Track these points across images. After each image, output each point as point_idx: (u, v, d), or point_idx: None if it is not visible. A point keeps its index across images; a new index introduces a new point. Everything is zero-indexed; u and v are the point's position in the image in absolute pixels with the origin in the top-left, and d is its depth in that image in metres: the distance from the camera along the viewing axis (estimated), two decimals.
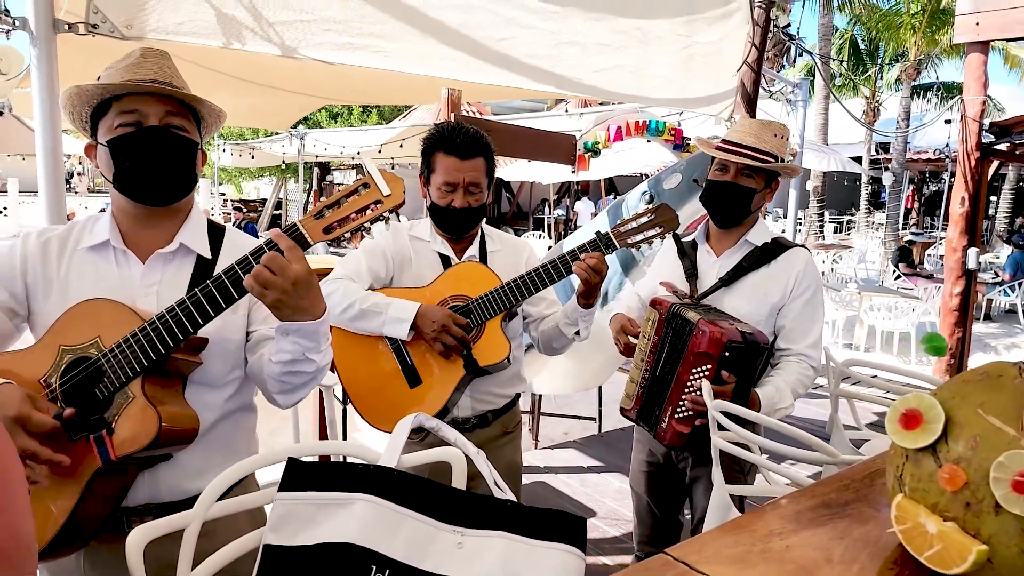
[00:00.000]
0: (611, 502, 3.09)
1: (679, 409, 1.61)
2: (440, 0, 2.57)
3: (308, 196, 18.47)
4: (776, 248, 1.79)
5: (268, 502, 0.85)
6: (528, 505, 0.87)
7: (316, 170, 18.34)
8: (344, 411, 2.89)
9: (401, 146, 10.45)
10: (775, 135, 1.77)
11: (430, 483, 0.89)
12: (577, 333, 1.70)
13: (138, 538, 0.76)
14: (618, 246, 1.59)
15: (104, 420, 1.04)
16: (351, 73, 3.03)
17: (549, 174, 12.13)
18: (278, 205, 19.94)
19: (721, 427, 1.40)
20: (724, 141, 1.78)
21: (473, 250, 1.72)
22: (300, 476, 0.88)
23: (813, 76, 14.32)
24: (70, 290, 1.15)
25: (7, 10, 2.01)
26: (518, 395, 1.80)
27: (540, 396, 3.83)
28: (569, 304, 1.67)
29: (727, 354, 1.54)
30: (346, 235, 1.13)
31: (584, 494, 3.17)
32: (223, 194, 18.76)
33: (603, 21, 3.01)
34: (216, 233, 1.28)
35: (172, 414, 1.05)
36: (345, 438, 2.72)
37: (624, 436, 3.92)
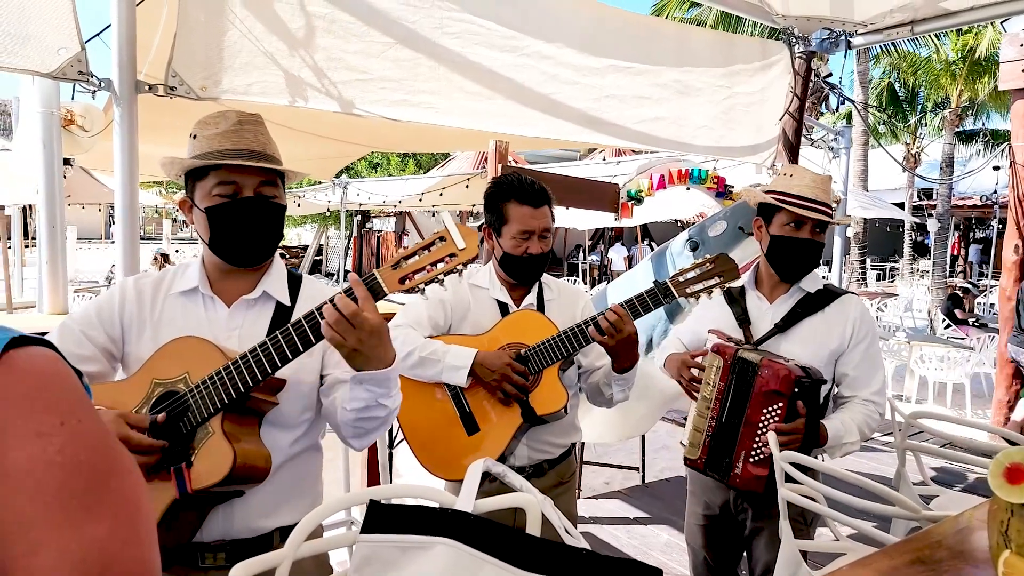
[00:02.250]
0: (660, 555, 3.02)
1: (754, 452, 1.60)
2: (488, 60, 2.68)
3: (348, 242, 18.98)
4: (828, 295, 1.78)
5: (352, 543, 0.87)
6: (603, 555, 0.88)
7: (357, 218, 18.85)
8: (389, 454, 2.91)
9: (441, 195, 10.70)
10: (831, 187, 1.78)
11: (507, 529, 0.90)
12: (611, 396, 1.70)
13: (240, 574, 0.79)
14: (676, 295, 1.61)
15: (185, 452, 1.09)
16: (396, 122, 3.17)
17: (584, 220, 12.26)
18: (319, 251, 20.46)
19: (788, 479, 1.37)
20: (793, 196, 1.74)
21: (531, 298, 1.76)
22: (381, 518, 0.90)
23: (849, 123, 14.29)
24: (161, 331, 1.23)
25: (92, 73, 2.17)
26: (573, 445, 1.80)
27: (582, 444, 3.80)
28: (605, 367, 1.68)
29: (796, 390, 1.55)
30: (421, 286, 1.16)
31: (632, 546, 3.10)
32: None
33: (643, 75, 3.10)
34: (294, 282, 1.36)
35: (247, 451, 1.10)
36: (391, 482, 2.73)
37: (670, 487, 3.84)
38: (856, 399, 1.71)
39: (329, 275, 19.50)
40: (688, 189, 4.54)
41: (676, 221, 12.13)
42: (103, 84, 2.15)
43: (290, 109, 2.76)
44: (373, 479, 2.70)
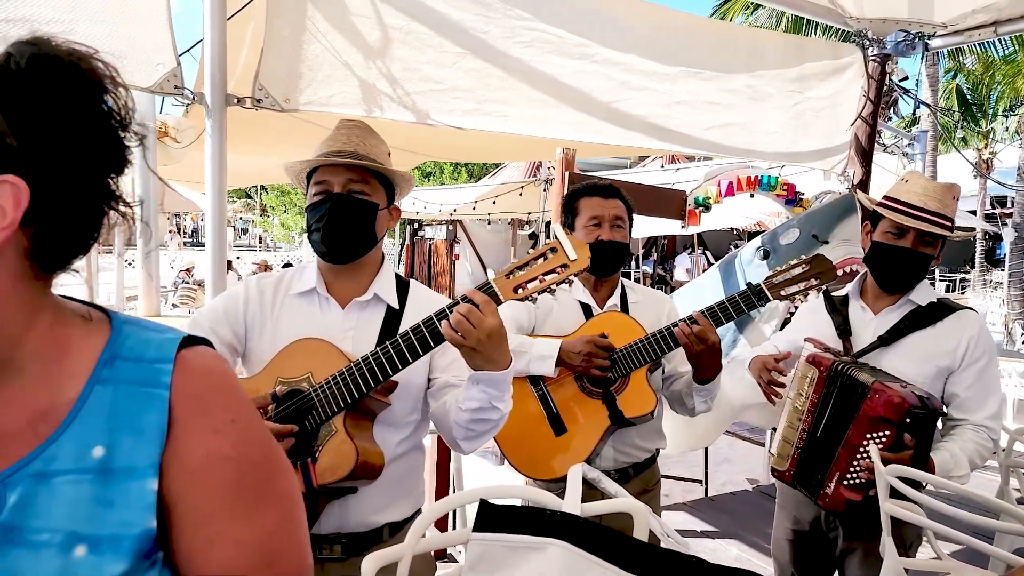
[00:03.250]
0: None
1: (849, 475, 1.54)
2: (558, 68, 2.70)
3: (400, 250, 19.31)
4: (942, 309, 1.68)
5: (465, 541, 0.88)
6: (713, 563, 0.87)
7: (410, 226, 19.16)
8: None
9: (494, 202, 10.79)
10: (954, 198, 1.66)
11: (617, 533, 0.90)
12: (693, 406, 1.68)
13: (371, 565, 0.82)
14: (771, 298, 1.58)
15: (310, 449, 1.14)
16: (457, 131, 3.23)
17: (638, 228, 12.12)
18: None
19: (893, 495, 1.33)
20: (902, 203, 1.66)
21: (614, 300, 1.77)
22: (492, 518, 0.91)
23: (910, 128, 13.75)
24: (280, 330, 1.29)
25: (185, 86, 2.28)
26: (658, 451, 1.79)
27: None
28: (687, 376, 1.66)
29: (907, 420, 1.46)
30: (534, 296, 1.18)
31: None
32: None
33: (713, 80, 3.07)
34: (402, 286, 1.41)
35: (366, 450, 1.14)
36: (462, 484, 2.76)
37: (736, 501, 3.75)
38: (967, 423, 1.61)
39: None
40: (752, 196, 4.46)
41: (732, 229, 11.91)
42: (196, 97, 2.25)
43: (321, 117, 2.84)
44: (443, 480, 2.73)
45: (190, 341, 0.70)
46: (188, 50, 2.59)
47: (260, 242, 30.03)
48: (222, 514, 0.66)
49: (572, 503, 0.95)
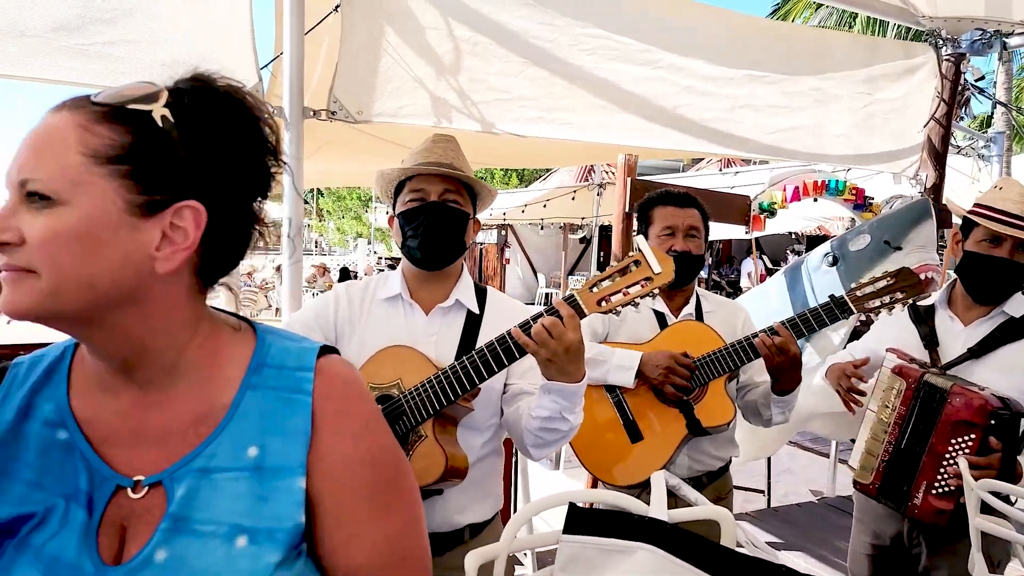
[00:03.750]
0: None
1: (937, 484, 1.50)
2: (621, 74, 2.72)
3: None
4: None
5: (554, 542, 0.91)
6: (804, 573, 0.87)
7: None
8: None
9: (545, 207, 10.82)
10: None
11: (705, 540, 0.91)
12: (770, 417, 1.66)
13: (473, 561, 0.86)
14: (855, 311, 1.55)
15: None
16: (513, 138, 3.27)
17: None
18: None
19: (984, 510, 1.29)
20: (998, 211, 1.61)
21: (689, 309, 1.77)
22: (581, 521, 0.94)
23: (984, 128, 13.09)
24: (368, 334, 1.34)
25: (266, 100, 2.40)
26: (731, 459, 1.78)
27: None
28: (767, 387, 1.65)
29: (992, 422, 1.43)
30: (617, 308, 1.19)
31: None
32: (375, 252, 20.42)
33: (778, 83, 3.02)
34: (481, 292, 1.45)
35: (453, 455, 1.18)
36: (528, 487, 2.79)
37: (802, 513, 3.67)
38: None
39: None
40: (815, 201, 4.35)
41: (790, 233, 11.61)
42: (276, 111, 2.36)
43: (401, 127, 2.91)
44: (505, 483, 2.76)
45: (324, 351, 0.76)
46: (266, 65, 2.71)
47: (316, 246, 30.84)
48: (359, 513, 0.71)
49: (658, 508, 0.97)
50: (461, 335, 1.35)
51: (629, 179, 3.01)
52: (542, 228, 13.54)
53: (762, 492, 3.88)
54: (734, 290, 12.53)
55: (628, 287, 1.14)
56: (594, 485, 2.17)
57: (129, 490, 0.67)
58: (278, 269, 10.80)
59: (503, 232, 17.25)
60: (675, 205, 1.75)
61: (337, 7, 2.45)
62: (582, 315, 1.16)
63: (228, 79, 0.71)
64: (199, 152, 0.66)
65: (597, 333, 1.77)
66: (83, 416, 0.70)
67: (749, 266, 14.20)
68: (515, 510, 2.79)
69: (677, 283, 1.75)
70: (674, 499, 1.44)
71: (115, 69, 2.16)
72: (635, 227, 1.87)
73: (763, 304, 3.10)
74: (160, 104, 0.65)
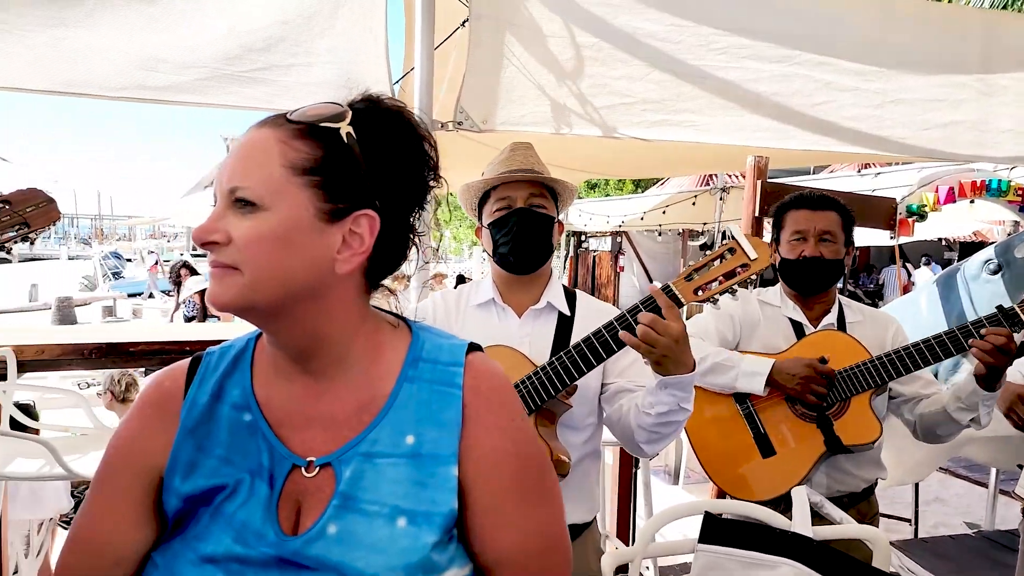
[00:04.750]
0: None
1: None
2: (754, 73, 2.60)
3: (564, 262, 19.63)
4: None
5: (687, 551, 0.89)
6: None
7: (574, 238, 19.38)
8: None
9: (664, 212, 10.55)
10: None
11: (854, 560, 0.85)
12: (975, 420, 1.51)
13: (610, 562, 0.86)
14: None
15: None
16: (633, 147, 3.20)
17: None
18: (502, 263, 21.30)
19: None
20: None
21: (830, 318, 1.66)
22: (718, 531, 0.91)
23: None
24: (464, 338, 1.40)
25: None
26: (876, 482, 1.65)
27: None
28: (965, 386, 1.49)
29: None
30: (715, 296, 1.18)
31: None
32: (484, 259, 20.92)
33: (934, 75, 2.77)
34: (570, 295, 1.47)
35: (555, 448, 1.21)
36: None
37: (955, 546, 3.31)
38: None
39: None
40: (972, 203, 3.94)
41: (940, 240, 10.58)
42: None
43: (512, 136, 2.96)
44: (624, 492, 2.72)
45: (472, 347, 0.81)
46: (398, 81, 2.86)
47: (434, 253, 31.97)
48: (508, 503, 0.75)
49: (802, 524, 0.91)
50: (554, 336, 1.38)
51: (759, 182, 2.88)
52: (660, 234, 13.24)
53: (908, 521, 3.55)
54: (873, 301, 11.59)
55: (725, 275, 1.11)
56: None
57: (303, 469, 0.74)
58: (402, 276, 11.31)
59: (618, 239, 17.06)
60: (807, 208, 1.69)
61: (464, 22, 2.55)
62: (679, 304, 1.15)
63: (395, 100, 0.77)
64: (375, 165, 0.74)
65: (727, 340, 1.71)
66: (264, 400, 0.78)
67: (891, 271, 13.08)
68: (634, 522, 2.74)
69: (809, 290, 1.67)
70: (816, 518, 1.35)
71: (269, 92, 2.37)
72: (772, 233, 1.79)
73: (912, 315, 2.85)
74: (346, 122, 0.73)
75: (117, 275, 18.01)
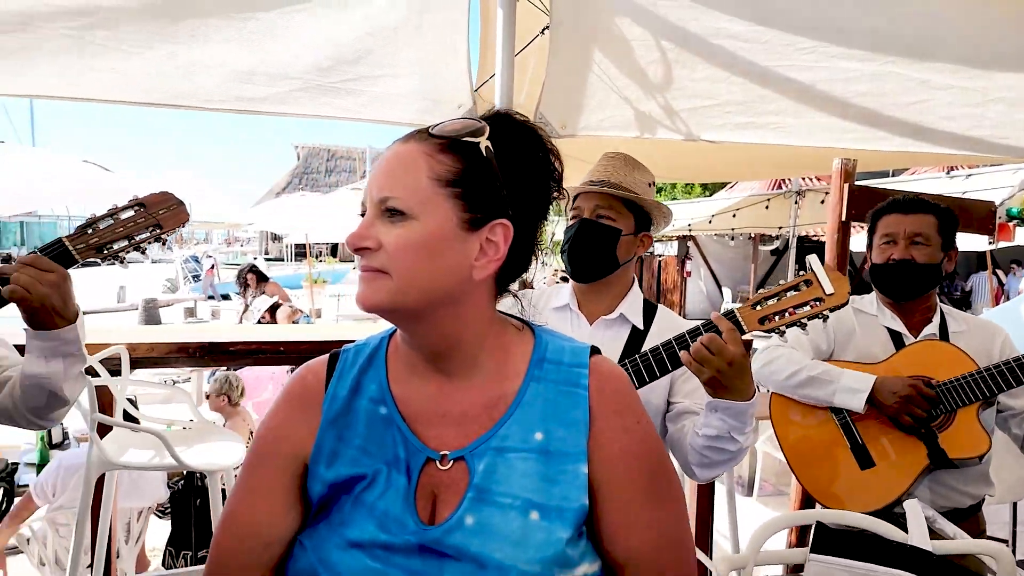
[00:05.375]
0: None
1: None
2: (844, 72, 2.52)
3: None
4: None
5: (802, 560, 0.88)
6: None
7: None
8: None
9: (735, 216, 10.30)
10: None
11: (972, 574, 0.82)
12: None
13: (725, 567, 0.86)
14: None
15: None
16: (704, 150, 3.14)
17: None
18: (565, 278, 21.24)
19: None
20: None
21: (931, 328, 1.60)
22: (831, 542, 0.89)
23: None
24: None
25: None
26: (983, 498, 1.58)
27: None
28: None
29: None
30: (782, 328, 1.15)
31: None
32: (547, 263, 21.00)
33: None
34: (649, 309, 1.46)
35: None
36: None
37: None
38: None
39: None
40: None
41: None
42: None
43: (585, 140, 2.95)
44: (704, 503, 2.68)
45: (594, 350, 0.83)
46: (477, 88, 2.92)
47: None
48: (636, 502, 0.77)
49: (920, 538, 0.89)
50: (623, 349, 1.38)
51: (846, 185, 2.79)
52: (732, 239, 12.92)
53: (1005, 542, 3.34)
54: (960, 309, 10.91)
55: (796, 307, 1.09)
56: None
57: (437, 462, 0.78)
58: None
59: (685, 244, 16.74)
60: (899, 212, 1.65)
61: (544, 30, 2.57)
62: (741, 331, 1.13)
63: (524, 116, 0.81)
64: (510, 177, 0.77)
65: (821, 350, 1.67)
66: (399, 396, 0.82)
67: (981, 277, 12.29)
68: (711, 533, 2.69)
69: (901, 295, 1.62)
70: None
71: (357, 102, 2.46)
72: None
73: (1014, 325, 2.69)
74: (484, 137, 0.76)
75: (196, 278, 18.99)
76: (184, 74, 2.21)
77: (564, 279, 1.52)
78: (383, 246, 0.75)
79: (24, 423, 1.25)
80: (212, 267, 18.97)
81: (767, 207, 9.18)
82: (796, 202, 8.25)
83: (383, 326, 0.88)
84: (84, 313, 1.23)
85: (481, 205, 0.77)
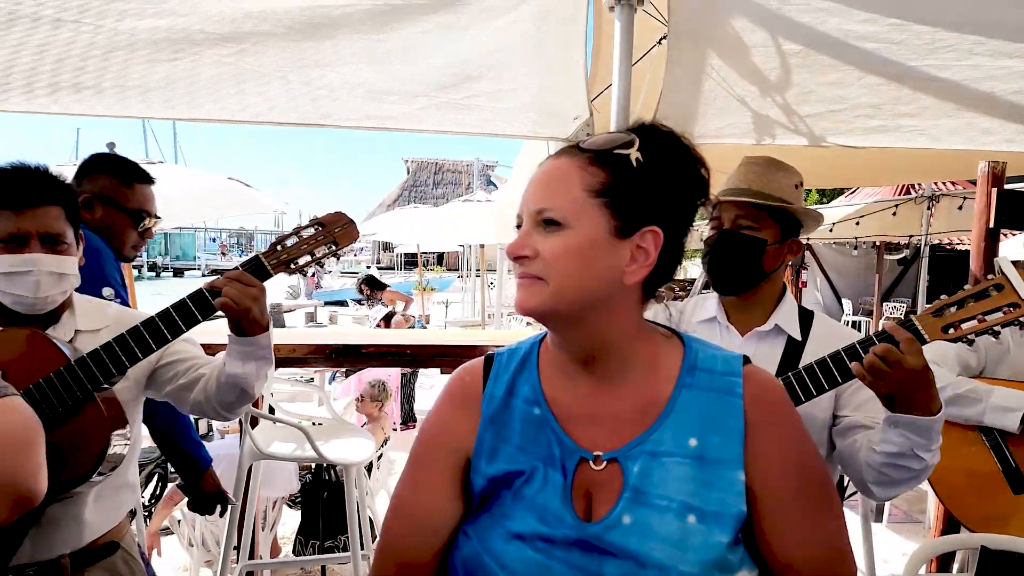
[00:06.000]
0: None
1: None
2: (989, 70, 2.34)
3: None
4: None
5: None
6: None
7: None
8: None
9: (857, 224, 9.66)
10: None
11: None
12: None
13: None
14: None
15: None
16: (825, 155, 2.98)
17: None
18: (706, 285, 20.60)
19: None
20: None
21: None
22: (998, 567, 0.85)
23: None
24: None
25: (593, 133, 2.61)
26: None
27: None
28: None
29: None
30: (970, 336, 1.08)
31: None
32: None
33: None
34: (806, 317, 1.40)
35: None
36: None
37: None
38: None
39: None
40: None
41: None
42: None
43: (711, 148, 2.88)
44: None
45: (745, 359, 0.85)
46: (597, 96, 2.95)
47: None
48: (795, 512, 0.77)
49: None
50: (780, 360, 1.33)
51: (995, 190, 2.58)
52: (856, 248, 12.14)
53: None
54: None
55: (985, 313, 1.00)
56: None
57: (591, 462, 0.81)
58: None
59: (800, 253, 15.86)
60: None
61: (661, 39, 2.57)
62: (922, 341, 1.06)
63: (668, 127, 0.84)
64: (660, 186, 0.80)
65: (970, 366, 1.56)
66: (551, 397, 0.87)
67: None
68: None
69: None
70: None
71: (480, 118, 2.56)
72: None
73: None
74: (635, 148, 0.80)
75: (317, 286, 20.23)
76: (322, 95, 2.39)
77: (708, 285, 1.49)
78: (540, 254, 0.80)
79: (213, 414, 1.43)
80: (312, 275, 20.19)
81: (894, 214, 8.55)
82: (929, 208, 7.64)
83: (490, 332, 0.93)
84: (216, 319, 1.40)
85: (631, 213, 0.81)
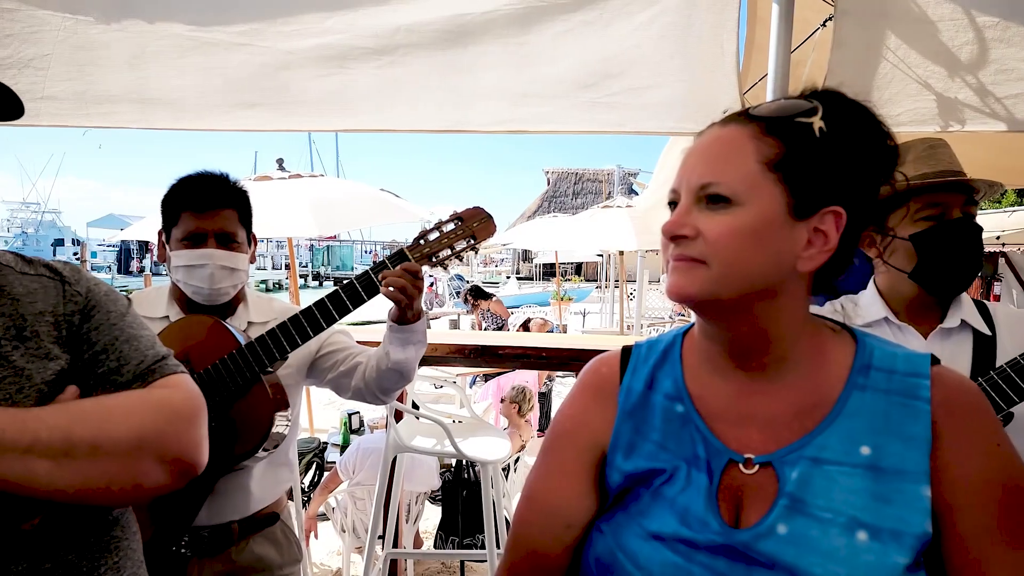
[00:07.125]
0: None
1: None
2: None
3: None
4: None
5: None
6: None
7: None
8: None
9: None
10: None
11: None
12: None
13: None
14: None
15: None
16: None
17: None
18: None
19: None
20: None
21: None
22: None
23: None
24: None
25: None
26: None
27: None
28: None
29: None
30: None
31: None
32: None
33: None
34: (982, 309, 1.27)
35: None
36: None
37: None
38: None
39: None
40: None
41: None
42: None
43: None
44: None
45: (933, 359, 0.74)
46: (750, 88, 2.77)
47: None
48: (993, 537, 0.65)
49: None
50: (972, 359, 1.20)
51: None
52: None
53: None
54: None
55: None
56: None
57: (740, 465, 0.73)
58: None
59: (993, 261, 13.93)
60: None
61: (827, 20, 2.35)
62: None
63: (856, 94, 0.74)
64: (844, 160, 0.70)
65: None
66: (696, 393, 0.79)
67: None
68: None
69: None
70: None
71: (622, 116, 2.49)
72: None
73: None
74: (818, 116, 0.70)
75: (458, 294, 21.06)
76: (465, 101, 2.44)
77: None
78: (701, 234, 0.73)
79: (372, 399, 1.56)
80: (431, 285, 21.03)
81: None
82: None
83: (629, 338, 0.86)
84: (368, 323, 1.48)
85: (812, 191, 0.72)
